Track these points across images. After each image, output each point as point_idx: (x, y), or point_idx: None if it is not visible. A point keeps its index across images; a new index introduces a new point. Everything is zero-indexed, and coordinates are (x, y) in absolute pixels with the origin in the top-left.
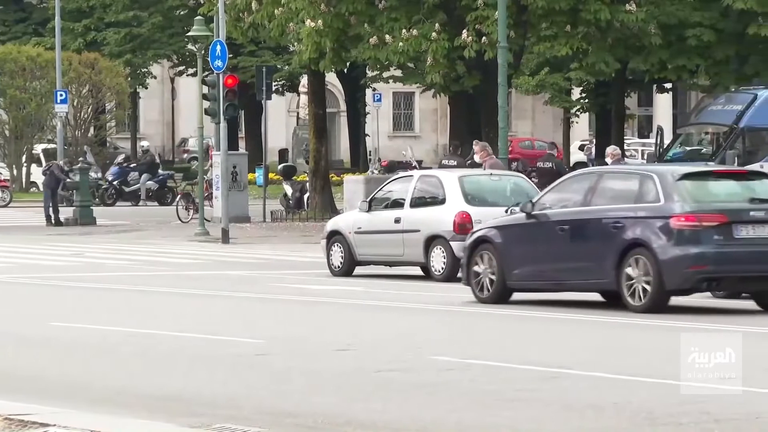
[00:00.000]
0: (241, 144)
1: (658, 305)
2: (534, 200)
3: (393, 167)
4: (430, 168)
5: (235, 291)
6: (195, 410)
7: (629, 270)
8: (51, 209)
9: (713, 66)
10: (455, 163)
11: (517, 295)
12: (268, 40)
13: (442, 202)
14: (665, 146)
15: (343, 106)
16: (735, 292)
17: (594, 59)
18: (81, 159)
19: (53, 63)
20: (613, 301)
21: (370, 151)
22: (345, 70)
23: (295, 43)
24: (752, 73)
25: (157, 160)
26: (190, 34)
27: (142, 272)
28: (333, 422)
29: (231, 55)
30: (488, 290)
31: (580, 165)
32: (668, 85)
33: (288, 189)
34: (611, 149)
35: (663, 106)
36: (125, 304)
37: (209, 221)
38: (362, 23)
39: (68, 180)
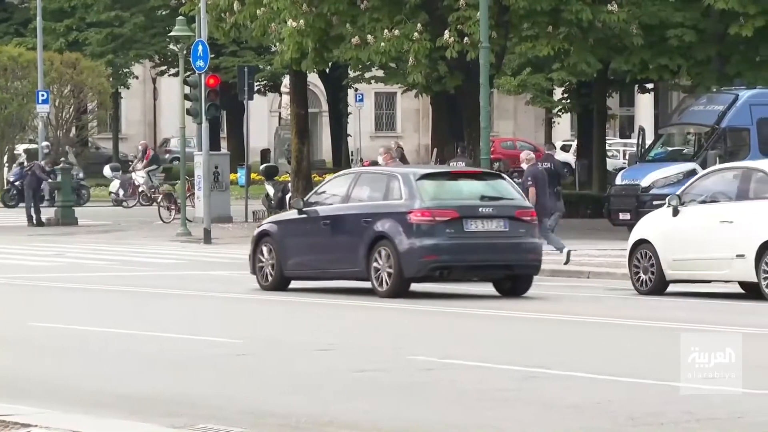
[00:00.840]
0: (223, 144)
1: (398, 291)
2: (306, 198)
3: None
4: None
5: (217, 291)
6: (176, 410)
7: (376, 260)
8: (32, 209)
9: (695, 66)
10: (463, 163)
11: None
12: (250, 40)
13: None
14: (647, 146)
15: (325, 107)
16: (466, 279)
17: (576, 59)
18: (63, 159)
19: (35, 63)
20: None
21: (352, 152)
22: (327, 71)
23: (277, 44)
24: (734, 73)
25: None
26: (171, 34)
27: (123, 272)
28: (315, 422)
29: (213, 55)
30: (269, 279)
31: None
32: (650, 86)
33: (270, 189)
34: (525, 154)
35: (645, 106)
36: (106, 305)
37: (191, 221)
38: (344, 23)
39: (50, 180)
